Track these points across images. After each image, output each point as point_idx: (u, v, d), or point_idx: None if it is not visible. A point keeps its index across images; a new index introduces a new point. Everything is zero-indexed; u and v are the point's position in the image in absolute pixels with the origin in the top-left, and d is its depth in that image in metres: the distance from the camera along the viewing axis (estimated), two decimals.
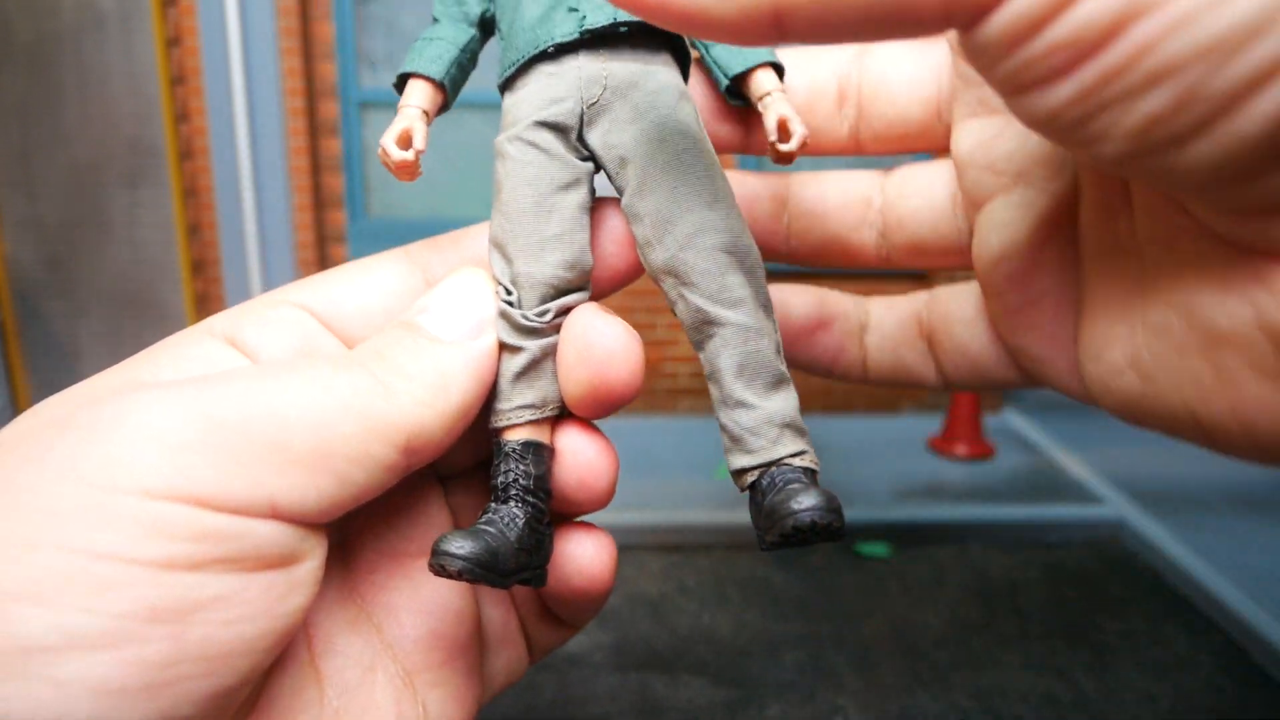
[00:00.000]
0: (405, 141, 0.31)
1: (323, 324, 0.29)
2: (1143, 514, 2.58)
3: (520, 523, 0.28)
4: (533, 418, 0.30)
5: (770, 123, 0.32)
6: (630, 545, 2.07)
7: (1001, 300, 0.30)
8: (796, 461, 0.30)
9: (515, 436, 0.29)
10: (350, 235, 2.97)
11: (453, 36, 0.34)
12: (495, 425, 0.30)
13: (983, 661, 0.66)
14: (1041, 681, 0.64)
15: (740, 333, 0.31)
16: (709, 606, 0.74)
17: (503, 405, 0.30)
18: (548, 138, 0.31)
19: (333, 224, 2.97)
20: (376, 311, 0.29)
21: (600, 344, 0.27)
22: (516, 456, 0.29)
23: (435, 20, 0.34)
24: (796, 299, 0.32)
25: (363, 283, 0.30)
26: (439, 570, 0.25)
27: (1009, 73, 0.19)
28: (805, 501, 0.26)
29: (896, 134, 0.33)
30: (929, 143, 0.33)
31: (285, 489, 0.23)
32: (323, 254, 2.96)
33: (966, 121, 0.30)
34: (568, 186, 0.31)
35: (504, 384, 0.30)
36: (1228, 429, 0.22)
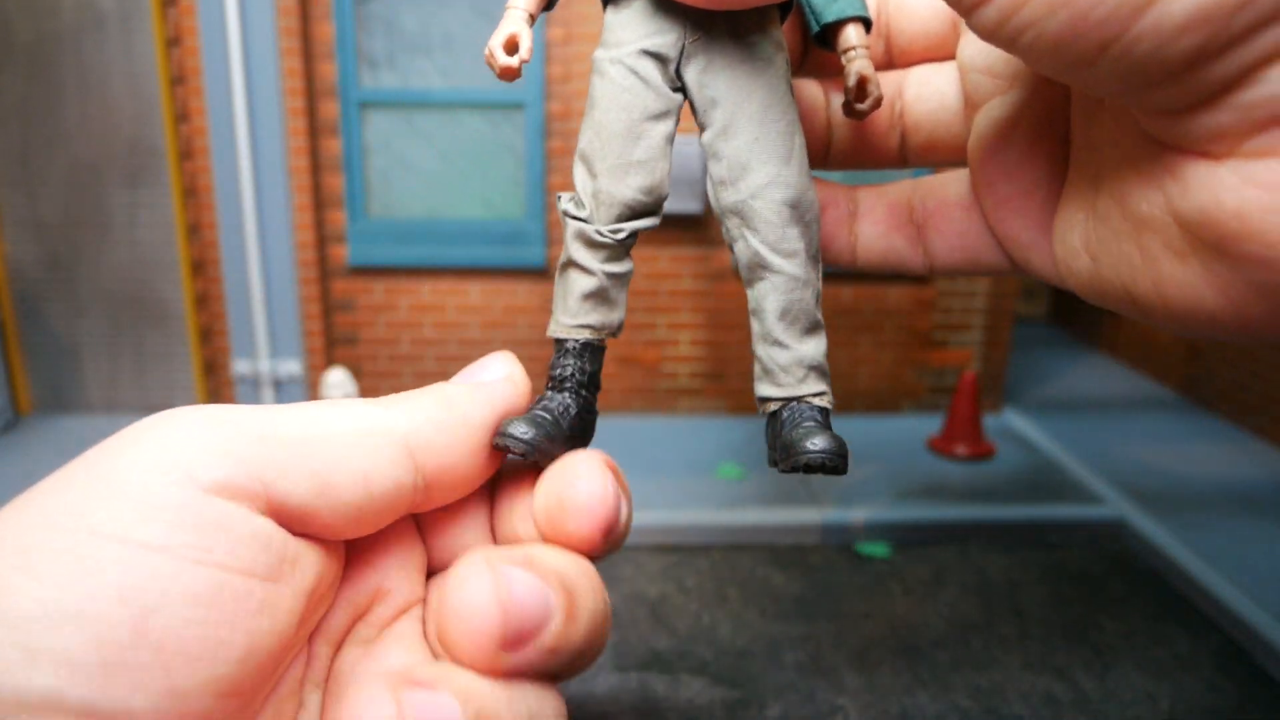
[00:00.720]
0: (511, 47, 0.32)
1: None
2: (1143, 514, 2.58)
3: (573, 412, 0.31)
4: (590, 338, 0.32)
5: (850, 80, 0.34)
6: (630, 545, 2.06)
7: (992, 191, 0.32)
8: (816, 401, 0.34)
9: (576, 337, 0.33)
10: (350, 235, 2.97)
11: None
12: (553, 334, 0.33)
13: (983, 661, 0.65)
14: (1041, 681, 0.64)
15: (789, 281, 0.34)
16: (709, 606, 0.74)
17: (565, 319, 0.32)
18: (648, 67, 0.33)
19: (333, 224, 2.97)
20: None
21: (575, 497, 0.27)
22: (575, 354, 0.32)
23: None
24: None
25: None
26: (504, 449, 0.28)
27: None
28: (819, 443, 0.30)
29: (919, 48, 0.36)
30: (948, 53, 0.36)
31: (278, 476, 0.23)
32: (323, 254, 2.95)
33: (969, 32, 0.32)
34: (659, 117, 0.33)
35: (571, 301, 0.32)
36: (1152, 303, 0.24)
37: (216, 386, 2.97)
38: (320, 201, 2.92)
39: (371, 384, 3.07)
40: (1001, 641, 0.65)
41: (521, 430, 0.28)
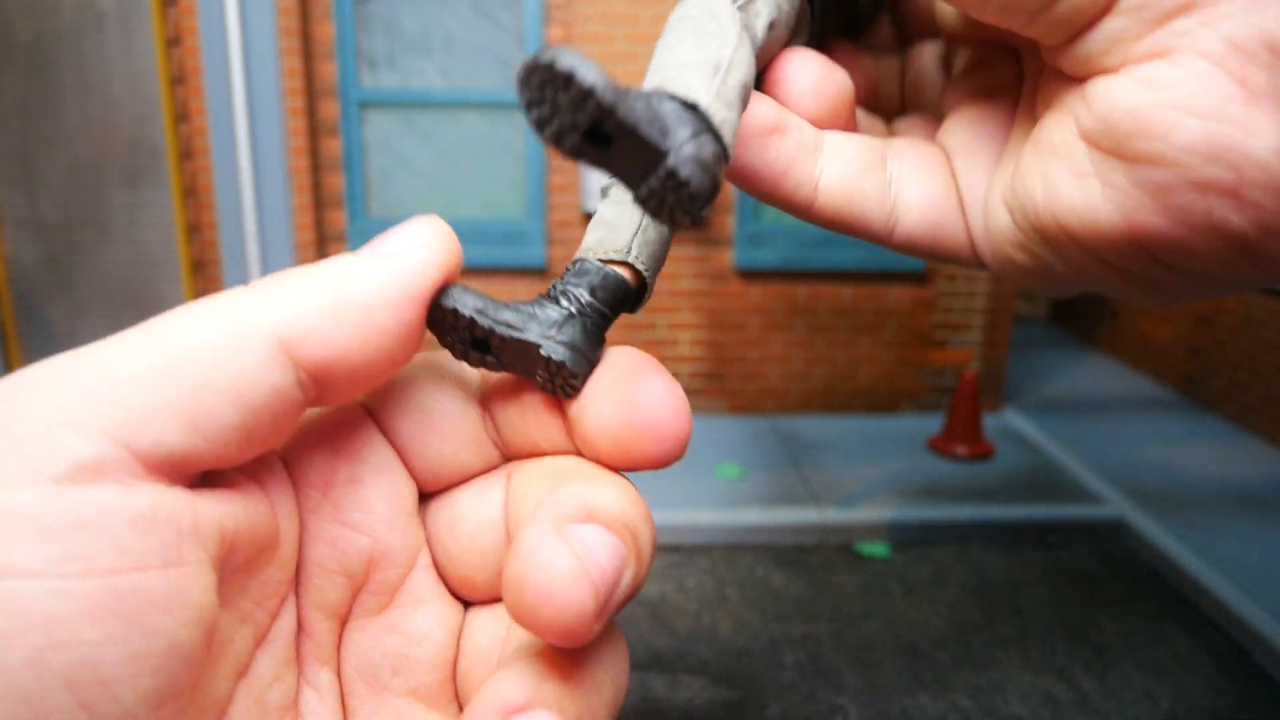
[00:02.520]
0: None
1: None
2: (1143, 514, 2.58)
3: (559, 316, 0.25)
4: (590, 259, 0.27)
5: None
6: None
7: (960, 145, 0.33)
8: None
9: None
10: (350, 235, 2.97)
11: None
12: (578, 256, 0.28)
13: (983, 661, 0.65)
14: (1041, 681, 0.64)
15: None
16: (709, 606, 0.74)
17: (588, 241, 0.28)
18: None
19: (333, 224, 2.97)
20: None
21: (647, 400, 0.23)
22: (575, 272, 0.26)
23: None
24: (758, 103, 0.29)
25: None
26: (437, 316, 0.23)
27: None
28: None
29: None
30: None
31: (140, 425, 0.18)
32: (323, 254, 2.95)
33: None
34: None
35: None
36: (1053, 233, 0.25)
37: None
38: (320, 201, 2.92)
39: None
40: (1001, 641, 0.65)
41: (465, 299, 0.23)
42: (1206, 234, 0.21)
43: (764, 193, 0.29)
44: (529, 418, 0.25)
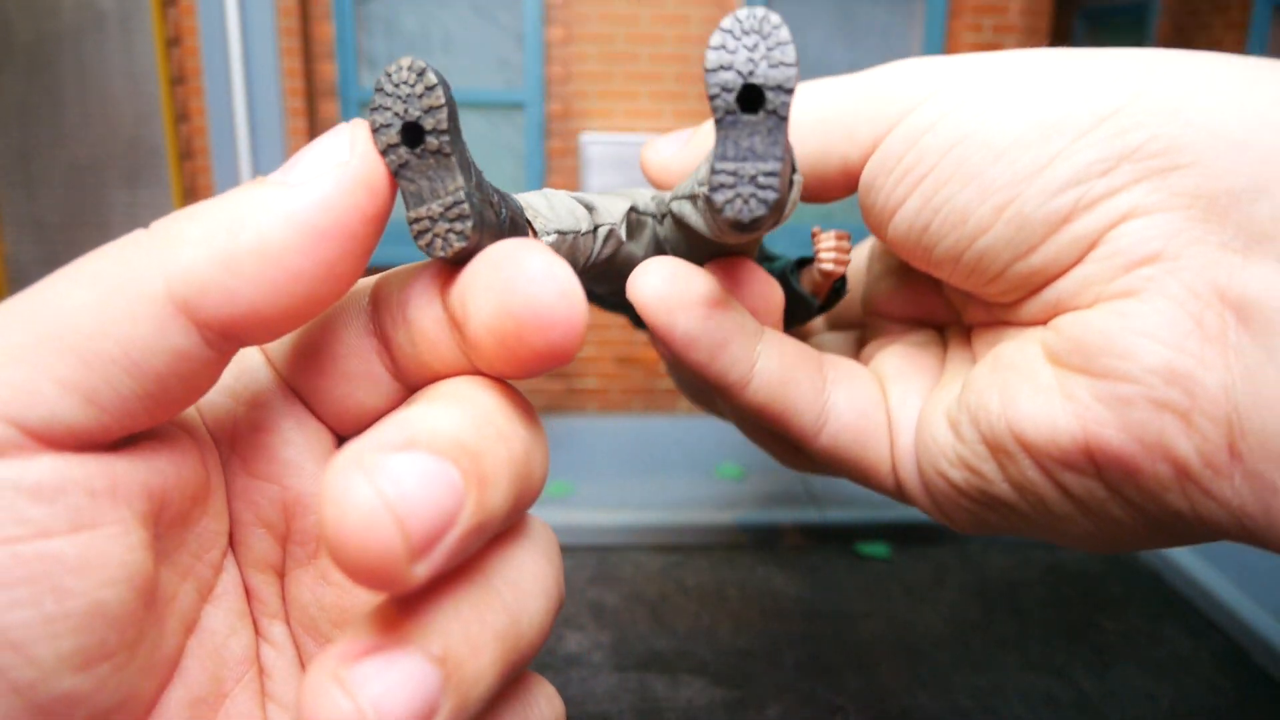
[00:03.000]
0: None
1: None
2: None
3: (494, 198, 0.22)
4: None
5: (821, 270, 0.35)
6: (630, 545, 2.07)
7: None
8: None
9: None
10: None
11: None
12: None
13: (983, 661, 0.65)
14: (1041, 681, 0.64)
15: None
16: (709, 606, 0.74)
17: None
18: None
19: None
20: None
21: (525, 280, 0.19)
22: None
23: None
24: (704, 278, 0.28)
25: None
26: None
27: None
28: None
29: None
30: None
31: (29, 399, 0.17)
32: None
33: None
34: None
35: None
36: (1005, 444, 0.27)
37: None
38: None
39: None
40: (1001, 642, 0.65)
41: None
42: (1154, 453, 0.23)
43: (697, 363, 0.28)
44: (416, 338, 0.22)
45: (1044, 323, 0.27)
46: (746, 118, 0.20)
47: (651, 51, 2.84)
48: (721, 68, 0.20)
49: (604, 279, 0.32)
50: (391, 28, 2.95)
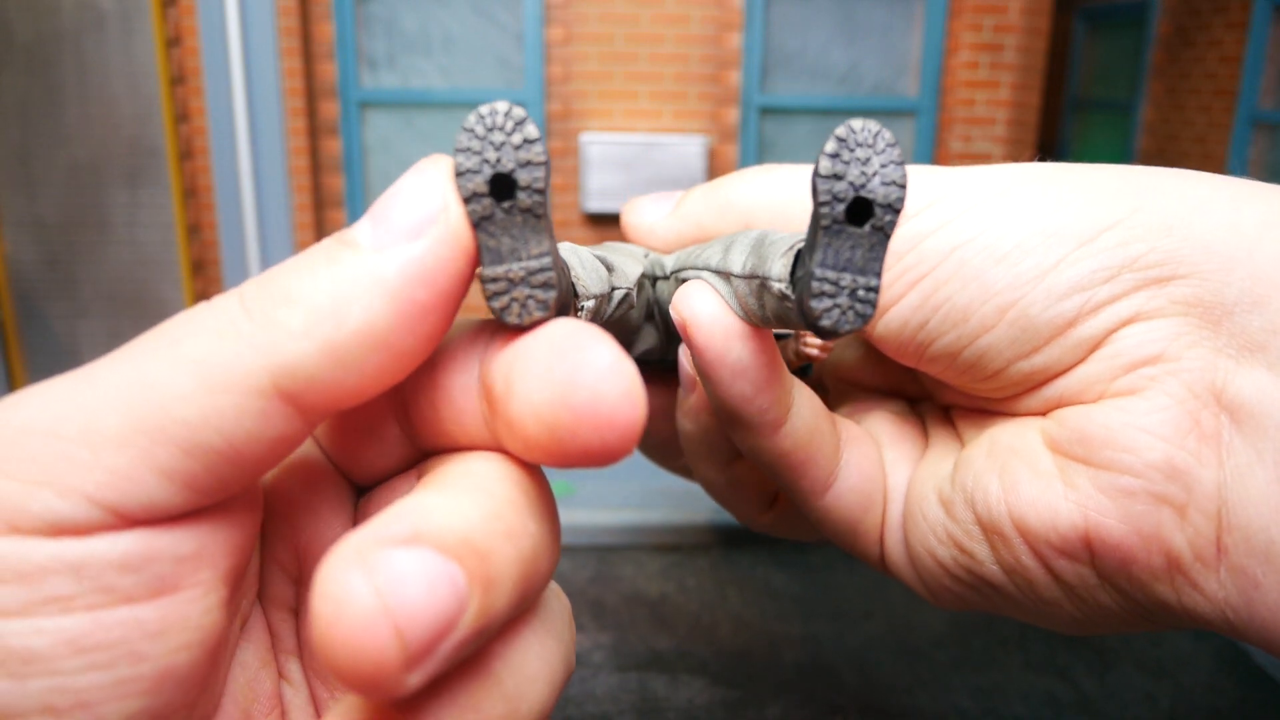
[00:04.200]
0: None
1: None
2: None
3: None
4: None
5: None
6: (630, 545, 2.07)
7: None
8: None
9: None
10: None
11: None
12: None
13: (983, 662, 0.66)
14: (1041, 681, 0.64)
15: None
16: (709, 606, 0.74)
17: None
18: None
19: (333, 224, 2.97)
20: None
21: (592, 374, 0.18)
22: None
23: None
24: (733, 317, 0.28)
25: None
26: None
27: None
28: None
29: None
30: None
31: (126, 485, 0.17)
32: None
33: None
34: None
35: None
36: (1001, 527, 0.27)
37: None
38: (320, 201, 2.92)
39: None
40: (1002, 642, 0.65)
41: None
42: (1151, 544, 0.24)
43: (740, 396, 0.27)
44: (440, 402, 0.21)
45: (1041, 414, 0.27)
46: (852, 229, 0.20)
47: (651, 51, 2.84)
48: (835, 176, 0.20)
49: None
50: (391, 28, 2.95)
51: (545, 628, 0.20)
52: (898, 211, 0.20)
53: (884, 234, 0.20)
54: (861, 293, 0.20)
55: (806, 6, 2.67)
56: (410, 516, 0.17)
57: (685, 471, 0.42)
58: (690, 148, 2.72)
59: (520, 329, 0.19)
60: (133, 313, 2.91)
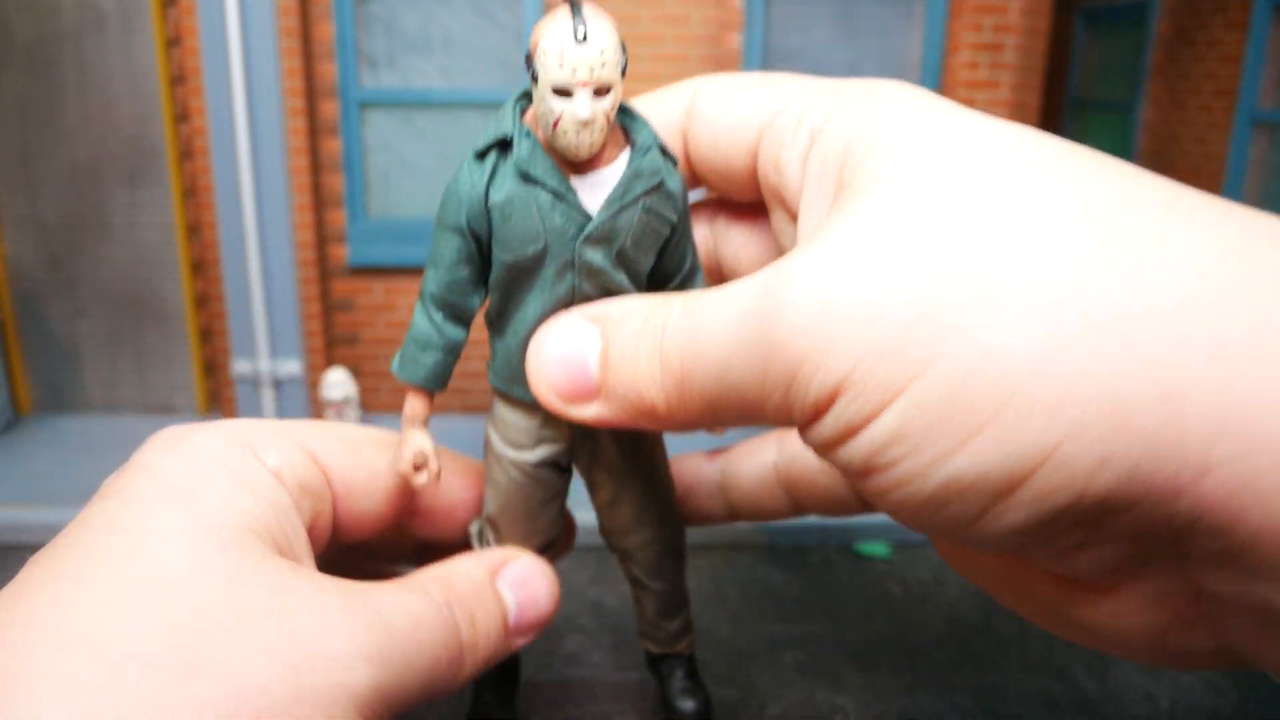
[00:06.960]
0: (421, 461, 0.39)
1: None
2: None
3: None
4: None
5: None
6: None
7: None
8: (683, 650, 0.49)
9: None
10: (350, 235, 2.97)
11: (446, 345, 0.42)
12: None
13: (983, 662, 0.66)
14: (1041, 682, 0.64)
15: (663, 594, 0.47)
16: (709, 606, 0.74)
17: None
18: (544, 473, 0.41)
19: (333, 224, 2.97)
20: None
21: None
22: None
23: (431, 305, 0.41)
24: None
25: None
26: None
27: (833, 461, 0.31)
28: (688, 705, 0.47)
29: (720, 172, 0.42)
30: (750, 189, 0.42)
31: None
32: (323, 254, 2.96)
33: None
34: (554, 496, 0.42)
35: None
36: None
37: (216, 387, 2.98)
38: (320, 201, 2.92)
39: (371, 384, 3.07)
40: (1001, 642, 0.65)
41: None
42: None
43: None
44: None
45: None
46: None
47: (651, 51, 2.84)
48: None
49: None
50: (391, 28, 2.95)
51: None
52: None
53: None
54: None
55: (806, 6, 2.67)
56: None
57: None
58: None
59: None
60: (133, 313, 2.91)
